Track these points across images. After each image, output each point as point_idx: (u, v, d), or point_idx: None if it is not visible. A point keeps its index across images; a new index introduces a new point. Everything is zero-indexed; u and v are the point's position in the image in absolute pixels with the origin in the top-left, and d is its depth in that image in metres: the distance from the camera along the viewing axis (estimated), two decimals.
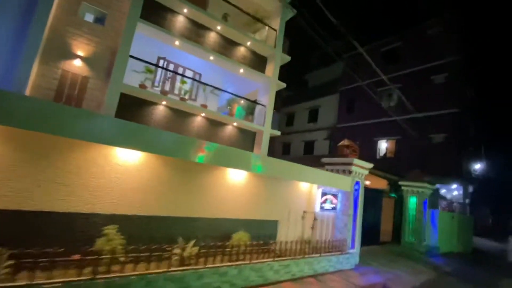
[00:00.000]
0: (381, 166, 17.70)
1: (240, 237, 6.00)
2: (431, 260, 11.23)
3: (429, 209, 12.99)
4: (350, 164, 8.61)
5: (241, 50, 12.97)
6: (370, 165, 9.13)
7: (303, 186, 8.08)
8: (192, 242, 5.13)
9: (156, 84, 11.63)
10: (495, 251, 18.04)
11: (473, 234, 17.08)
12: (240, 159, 5.93)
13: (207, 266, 4.95)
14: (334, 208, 8.59)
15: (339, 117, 25.39)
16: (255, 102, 13.55)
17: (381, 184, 15.69)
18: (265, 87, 14.10)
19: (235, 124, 13.21)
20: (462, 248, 14.85)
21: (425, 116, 18.76)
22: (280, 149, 30.42)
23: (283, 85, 14.43)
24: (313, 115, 28.08)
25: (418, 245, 12.13)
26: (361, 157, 8.99)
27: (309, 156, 25.36)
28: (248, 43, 12.93)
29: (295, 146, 29.10)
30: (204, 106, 12.36)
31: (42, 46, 8.82)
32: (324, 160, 9.38)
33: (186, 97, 11.93)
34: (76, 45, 9.31)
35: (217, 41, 12.05)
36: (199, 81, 12.54)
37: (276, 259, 6.09)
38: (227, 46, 12.48)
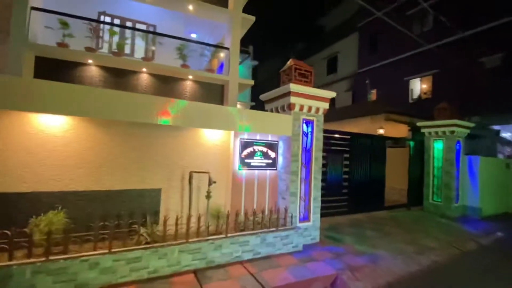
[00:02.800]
0: (415, 111, 13.22)
1: (50, 219, 3.68)
2: (464, 227, 7.37)
3: (463, 155, 8.70)
4: (287, 94, 5.37)
5: None
6: (329, 94, 5.68)
7: (211, 137, 5.22)
8: None
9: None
10: None
11: None
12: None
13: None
14: (272, 164, 5.57)
15: (361, 60, 20.40)
16: (211, 45, 10.55)
17: (403, 131, 11.52)
18: (230, 27, 10.84)
19: (190, 77, 10.49)
20: None
21: (473, 35, 13.12)
22: None
23: (251, 19, 10.89)
24: (332, 65, 23.39)
25: (446, 207, 8.22)
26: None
27: (330, 111, 21.10)
28: None
29: None
30: (148, 59, 9.92)
31: None
32: (262, 96, 6.24)
33: (126, 52, 9.58)
34: None
35: None
36: (148, 32, 9.96)
37: (119, 249, 3.67)
38: None
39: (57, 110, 3.66)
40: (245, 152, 5.29)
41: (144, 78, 10.15)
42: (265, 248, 4.75)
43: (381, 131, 11.60)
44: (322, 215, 6.89)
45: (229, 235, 4.52)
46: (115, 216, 4.27)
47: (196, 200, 4.91)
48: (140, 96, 4.19)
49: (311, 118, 5.62)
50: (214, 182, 4.65)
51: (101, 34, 9.23)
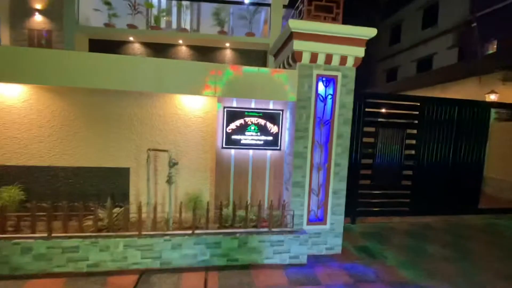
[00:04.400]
0: None
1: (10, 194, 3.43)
2: None
3: None
4: (290, 38, 3.61)
5: None
6: (363, 32, 3.57)
7: (192, 106, 4.05)
8: None
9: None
10: None
11: None
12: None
13: None
14: (273, 143, 4.03)
15: (476, 0, 14.62)
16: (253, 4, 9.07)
17: None
18: None
19: (227, 44, 9.44)
20: None
21: None
22: (383, 77, 22.05)
23: None
24: (430, 15, 17.85)
25: None
26: None
27: (423, 74, 16.50)
28: None
29: (403, 70, 20.08)
30: (184, 30, 9.37)
31: (8, 10, 8.70)
32: (270, 50, 4.60)
33: (163, 25, 9.32)
34: None
35: None
36: None
37: (55, 235, 3.18)
38: None
39: (16, 79, 3.19)
40: (232, 125, 3.90)
41: (182, 50, 9.66)
42: (246, 255, 3.44)
43: (492, 97, 7.83)
44: (365, 214, 4.97)
45: (197, 231, 3.41)
46: (80, 196, 3.76)
47: (171, 185, 3.92)
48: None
49: (331, 73, 3.68)
50: (175, 164, 3.53)
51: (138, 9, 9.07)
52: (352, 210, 4.94)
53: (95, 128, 3.82)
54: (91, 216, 3.36)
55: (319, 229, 3.84)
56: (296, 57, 3.55)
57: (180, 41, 9.24)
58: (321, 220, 3.84)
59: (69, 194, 3.80)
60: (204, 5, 10.01)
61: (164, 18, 9.58)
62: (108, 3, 8.83)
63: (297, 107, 3.65)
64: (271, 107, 4.00)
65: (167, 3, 9.79)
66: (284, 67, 4.08)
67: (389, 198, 5.21)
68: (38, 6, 8.84)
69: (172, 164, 3.45)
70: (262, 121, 3.95)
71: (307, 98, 3.65)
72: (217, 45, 9.51)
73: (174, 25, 10.04)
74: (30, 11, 8.81)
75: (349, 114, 3.78)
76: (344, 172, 3.83)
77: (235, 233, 3.44)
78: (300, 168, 3.70)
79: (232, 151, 3.99)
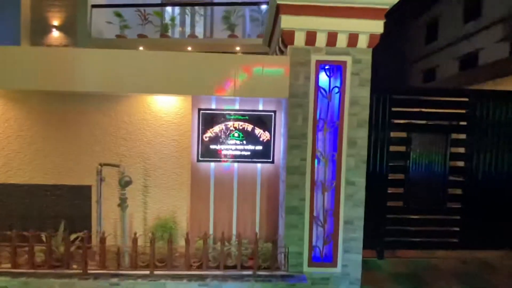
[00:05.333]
0: None
1: None
2: None
3: None
4: (276, 12, 2.69)
5: None
6: None
7: (164, 109, 3.26)
8: None
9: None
10: None
11: None
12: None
13: None
14: (264, 153, 3.07)
15: None
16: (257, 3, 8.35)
17: None
18: None
19: (238, 48, 8.78)
20: None
21: None
22: (419, 79, 19.86)
23: None
24: (473, 7, 15.64)
25: None
26: None
27: (469, 71, 14.35)
28: None
29: (443, 68, 17.83)
30: (193, 36, 8.93)
31: (29, 29, 9.00)
32: (264, 37, 3.71)
33: (169, 32, 9.00)
34: (51, 16, 8.86)
35: None
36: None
37: None
38: None
39: None
40: (210, 132, 3.04)
41: None
42: None
43: None
44: (396, 246, 3.77)
45: (158, 272, 2.54)
46: (36, 219, 3.14)
47: (124, 211, 3.13)
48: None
49: (337, 58, 2.68)
50: (128, 183, 2.72)
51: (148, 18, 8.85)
52: (379, 240, 3.72)
53: (52, 138, 3.20)
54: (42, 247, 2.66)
55: (326, 272, 2.75)
56: (285, 38, 2.61)
57: (189, 48, 8.78)
58: (329, 260, 2.75)
59: (22, 218, 3.19)
60: (217, 11, 9.57)
61: (177, 26, 9.25)
62: (119, 15, 8.72)
63: (290, 106, 2.68)
64: (260, 107, 3.07)
65: (181, 10, 9.50)
66: (276, 54, 3.16)
67: (430, 225, 3.89)
68: (56, 23, 9.01)
69: (124, 183, 2.65)
70: (248, 126, 3.03)
71: (304, 93, 2.67)
72: (228, 50, 8.90)
73: (188, 32, 9.70)
74: (49, 28, 9.02)
75: (365, 114, 2.71)
76: (361, 194, 2.73)
77: (206, 276, 2.51)
78: (296, 188, 2.69)
79: (212, 164, 3.10)
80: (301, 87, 2.67)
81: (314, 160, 2.70)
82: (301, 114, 2.67)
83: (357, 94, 2.70)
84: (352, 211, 2.74)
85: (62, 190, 3.25)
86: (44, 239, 2.64)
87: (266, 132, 3.03)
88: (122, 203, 2.71)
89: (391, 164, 3.71)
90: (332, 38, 2.61)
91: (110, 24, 9.03)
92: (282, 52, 2.93)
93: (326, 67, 2.70)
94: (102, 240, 2.59)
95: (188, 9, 9.60)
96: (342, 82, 2.69)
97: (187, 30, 9.63)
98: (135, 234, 2.63)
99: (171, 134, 3.24)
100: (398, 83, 18.86)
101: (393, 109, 3.64)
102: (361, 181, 2.74)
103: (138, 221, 3.28)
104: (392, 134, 3.69)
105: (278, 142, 3.05)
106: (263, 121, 3.03)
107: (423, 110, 3.81)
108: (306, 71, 2.66)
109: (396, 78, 17.56)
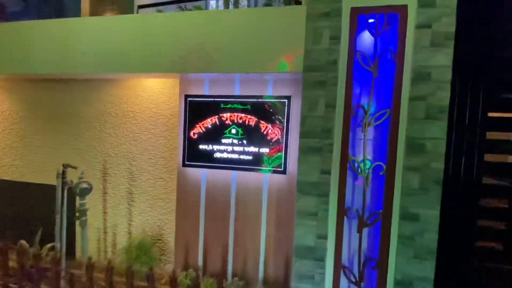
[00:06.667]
0: None
1: None
2: None
3: None
4: None
5: None
6: None
7: (153, 99, 2.56)
8: None
9: None
10: None
11: None
12: None
13: None
14: (274, 159, 2.10)
15: None
16: None
17: None
18: None
19: None
20: None
21: None
22: None
23: None
24: None
25: None
26: None
27: None
28: None
29: None
30: None
31: None
32: None
33: None
34: None
35: None
36: None
37: None
38: None
39: None
40: (199, 127, 2.20)
41: None
42: None
43: None
44: None
45: None
46: (23, 220, 2.81)
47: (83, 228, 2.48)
48: None
49: (391, 2, 1.53)
50: (86, 190, 2.05)
51: None
52: None
53: (25, 130, 2.82)
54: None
55: None
56: None
57: None
58: None
59: (12, 218, 2.88)
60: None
61: None
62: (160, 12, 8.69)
63: (305, 85, 1.65)
64: (269, 92, 2.09)
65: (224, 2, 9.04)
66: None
67: None
68: None
69: (80, 190, 2.00)
70: (251, 119, 2.09)
71: (329, 64, 1.61)
72: None
73: None
74: None
75: (442, 98, 1.51)
76: (429, 237, 1.55)
77: None
78: (313, 218, 1.65)
79: (202, 171, 2.26)
80: (325, 54, 1.62)
81: (345, 174, 1.61)
82: (324, 98, 1.62)
83: (427, 62, 1.51)
84: (411, 265, 1.56)
85: (41, 189, 2.82)
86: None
87: (276, 128, 2.05)
88: (80, 217, 2.06)
89: (486, 183, 2.27)
90: None
91: None
92: (297, 2, 1.91)
93: (370, 20, 1.58)
94: (55, 260, 1.99)
95: (231, 1, 9.08)
96: (399, 43, 1.53)
97: None
98: (90, 259, 1.94)
99: (160, 129, 2.51)
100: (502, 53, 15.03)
101: (497, 94, 2.21)
102: (431, 213, 1.54)
103: (122, 234, 2.66)
104: (490, 135, 2.25)
105: (294, 142, 2.03)
106: (271, 111, 2.05)
107: None
108: (333, 27, 1.60)
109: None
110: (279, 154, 2.06)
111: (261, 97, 2.07)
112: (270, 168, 2.08)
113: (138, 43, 2.12)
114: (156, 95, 2.51)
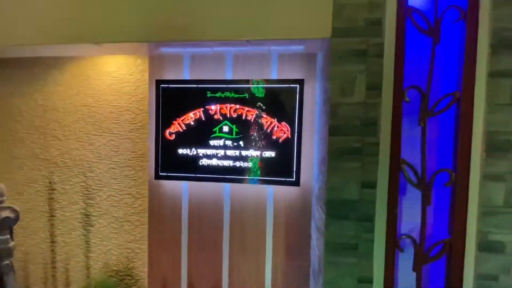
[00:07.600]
0: None
1: None
2: None
3: None
4: None
5: None
6: None
7: (113, 90, 1.90)
8: None
9: None
10: None
11: None
12: None
13: None
14: (280, 166, 1.52)
15: None
16: None
17: None
18: None
19: None
20: None
21: None
22: None
23: None
24: None
25: None
26: None
27: None
28: None
29: None
30: None
31: None
32: None
33: None
34: None
35: None
36: None
37: None
38: None
39: None
40: (178, 124, 1.59)
41: None
42: None
43: None
44: None
45: None
46: None
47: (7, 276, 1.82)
48: None
49: None
50: (7, 221, 1.38)
51: None
52: None
53: None
54: None
55: None
56: None
57: None
58: None
59: None
60: None
61: None
62: None
63: (335, 58, 1.09)
64: (274, 75, 1.53)
65: None
66: None
67: None
68: None
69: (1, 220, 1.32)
70: (249, 112, 1.51)
71: (369, 24, 1.06)
72: None
73: None
74: None
75: None
76: None
77: None
78: (351, 253, 1.09)
79: (182, 184, 1.65)
80: (364, 11, 1.08)
81: (397, 188, 1.08)
82: (362, 77, 1.08)
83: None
84: None
85: None
86: None
87: (284, 123, 1.48)
88: (2, 259, 1.38)
89: None
90: None
91: None
92: None
93: None
94: None
95: None
96: None
97: None
98: None
99: (124, 129, 1.87)
100: None
101: None
102: None
103: (77, 271, 1.99)
104: None
105: (308, 143, 1.48)
106: (277, 101, 1.49)
107: None
108: None
109: None
110: (288, 159, 1.50)
111: (262, 81, 1.50)
112: (276, 179, 1.52)
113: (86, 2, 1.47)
114: (118, 83, 1.87)
